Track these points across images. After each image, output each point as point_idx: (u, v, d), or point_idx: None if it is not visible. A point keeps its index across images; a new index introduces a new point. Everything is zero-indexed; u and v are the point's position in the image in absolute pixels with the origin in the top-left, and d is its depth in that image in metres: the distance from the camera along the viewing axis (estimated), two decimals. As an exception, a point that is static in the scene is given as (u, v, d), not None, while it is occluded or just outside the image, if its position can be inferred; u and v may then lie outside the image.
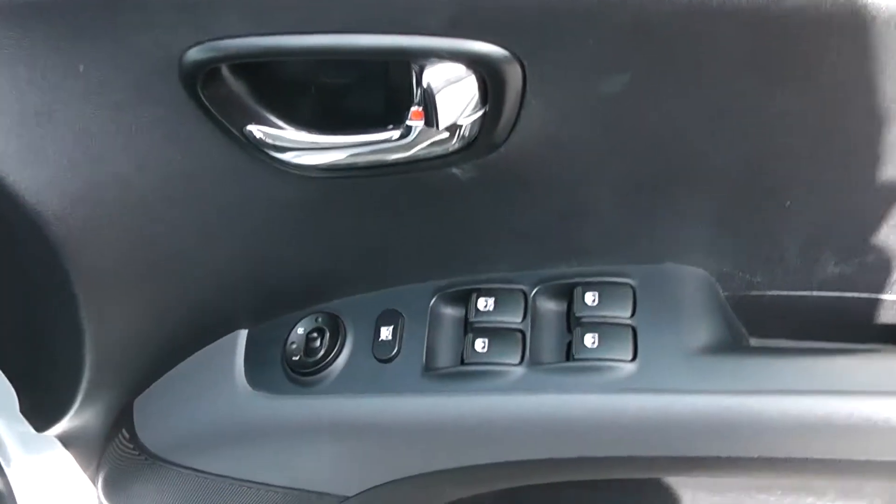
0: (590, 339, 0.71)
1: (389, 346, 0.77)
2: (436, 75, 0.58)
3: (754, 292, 0.75)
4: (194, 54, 0.57)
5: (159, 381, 0.89)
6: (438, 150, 0.63)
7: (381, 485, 0.82)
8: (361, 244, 0.77)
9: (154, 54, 0.58)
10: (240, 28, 0.56)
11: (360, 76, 0.65)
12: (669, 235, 0.73)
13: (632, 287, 0.74)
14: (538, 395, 0.72)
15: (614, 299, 0.73)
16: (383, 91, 0.65)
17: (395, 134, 0.62)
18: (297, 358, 0.80)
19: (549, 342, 0.74)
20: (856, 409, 0.66)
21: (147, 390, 0.90)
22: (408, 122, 0.61)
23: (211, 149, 0.65)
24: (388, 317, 0.79)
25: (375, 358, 0.78)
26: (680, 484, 0.89)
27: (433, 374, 0.75)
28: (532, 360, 0.73)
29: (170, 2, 0.56)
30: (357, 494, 0.84)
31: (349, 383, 0.78)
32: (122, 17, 0.57)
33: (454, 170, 0.66)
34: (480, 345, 0.74)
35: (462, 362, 0.74)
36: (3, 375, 0.84)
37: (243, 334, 0.86)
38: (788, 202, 0.67)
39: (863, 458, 0.70)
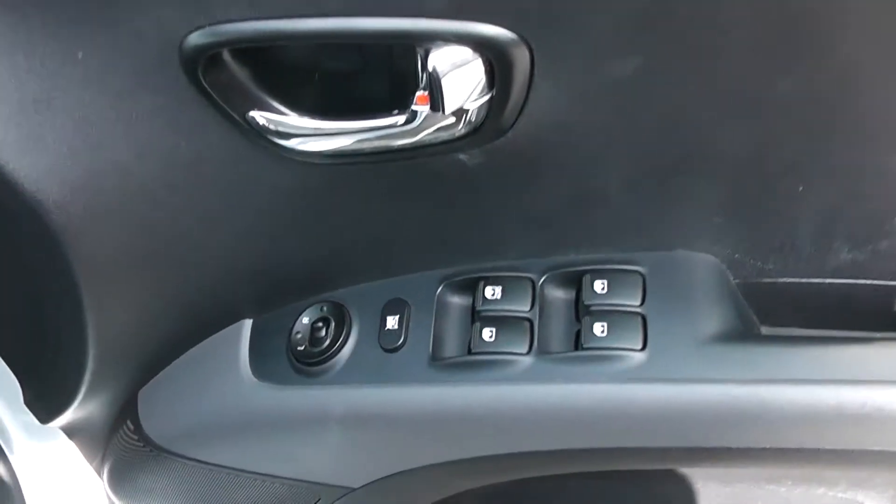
0: (599, 328, 0.70)
1: (396, 336, 0.77)
2: (441, 59, 0.57)
3: (766, 279, 0.74)
4: (195, 39, 0.56)
5: (163, 371, 0.89)
6: (445, 135, 0.62)
7: (387, 476, 0.82)
8: (366, 232, 0.76)
9: (154, 40, 0.57)
10: (241, 12, 0.55)
11: (365, 60, 0.65)
12: (680, 221, 0.72)
13: (641, 274, 0.73)
14: (546, 385, 0.71)
15: (624, 287, 0.73)
16: (388, 75, 0.64)
17: (401, 119, 0.61)
18: (302, 348, 0.80)
19: (558, 331, 0.74)
20: (869, 399, 0.66)
21: (151, 381, 0.90)
22: (413, 107, 0.60)
23: (213, 136, 0.64)
24: (395, 306, 0.79)
25: (381, 348, 0.78)
26: (689, 474, 0.89)
27: (440, 364, 0.75)
28: (540, 350, 0.73)
29: None
30: (363, 486, 0.84)
31: (355, 373, 0.78)
32: (121, 3, 0.56)
33: (461, 156, 0.65)
34: (488, 334, 0.73)
35: (469, 352, 0.74)
36: (6, 366, 0.84)
37: (248, 324, 0.86)
38: (801, 187, 0.66)
39: (876, 447, 0.70)
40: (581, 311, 0.73)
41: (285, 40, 0.58)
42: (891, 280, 0.72)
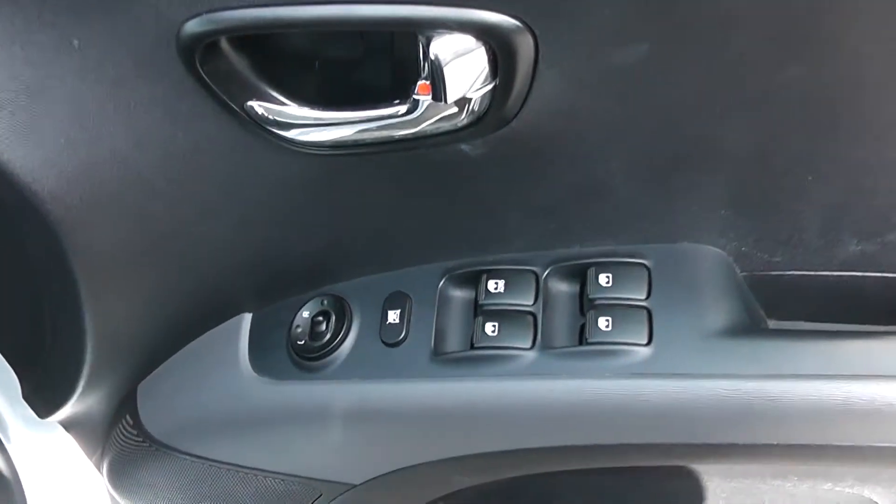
0: (604, 322, 0.70)
1: (397, 330, 0.77)
2: (443, 47, 0.56)
3: (773, 272, 0.74)
4: (192, 27, 0.56)
5: (163, 365, 0.89)
6: (447, 125, 0.61)
7: (388, 473, 0.82)
8: (367, 224, 0.76)
9: (150, 28, 0.57)
10: None
11: (365, 49, 0.64)
12: (686, 213, 0.72)
13: (647, 268, 0.73)
14: (550, 380, 0.71)
15: (629, 280, 0.72)
16: (389, 64, 0.63)
17: (402, 109, 0.60)
18: (302, 342, 0.79)
19: (562, 325, 0.73)
20: (878, 394, 0.65)
21: (150, 375, 0.90)
22: (414, 97, 0.59)
23: (211, 126, 0.64)
24: (396, 299, 0.78)
25: (383, 342, 0.77)
26: (693, 470, 0.88)
27: (442, 359, 0.74)
28: (544, 344, 0.72)
29: None
30: (364, 482, 0.83)
31: (356, 368, 0.77)
32: None
33: (463, 146, 0.64)
34: (491, 328, 0.73)
35: (472, 346, 0.74)
36: (4, 360, 0.83)
37: (248, 318, 0.85)
38: (810, 177, 0.65)
39: (885, 444, 0.69)
40: (585, 305, 0.72)
41: (284, 28, 0.57)
42: (900, 273, 0.71)
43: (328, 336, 0.78)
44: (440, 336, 0.75)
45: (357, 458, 0.82)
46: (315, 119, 0.62)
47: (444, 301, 0.77)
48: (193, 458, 0.86)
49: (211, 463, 0.86)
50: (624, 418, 0.70)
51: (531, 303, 0.74)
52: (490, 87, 0.59)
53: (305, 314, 0.80)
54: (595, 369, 0.70)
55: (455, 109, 0.60)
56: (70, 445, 0.92)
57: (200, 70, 0.58)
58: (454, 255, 0.78)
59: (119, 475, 0.92)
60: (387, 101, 0.61)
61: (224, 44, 0.58)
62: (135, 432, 0.88)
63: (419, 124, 0.61)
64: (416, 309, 0.77)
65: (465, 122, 0.61)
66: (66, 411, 0.84)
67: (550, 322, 0.73)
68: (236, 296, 0.84)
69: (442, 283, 0.77)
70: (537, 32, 0.55)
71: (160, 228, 0.72)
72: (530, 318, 0.73)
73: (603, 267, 0.73)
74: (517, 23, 0.54)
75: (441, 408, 0.74)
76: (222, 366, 0.84)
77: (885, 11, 0.52)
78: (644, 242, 0.74)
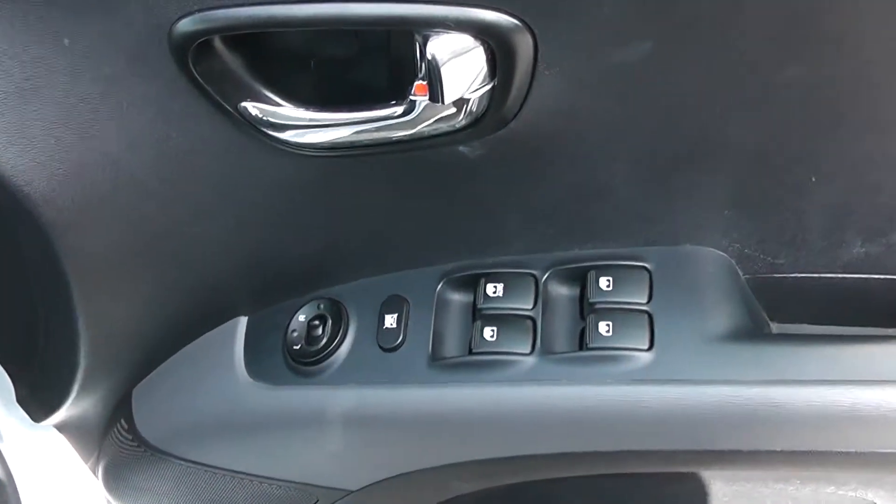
0: (604, 327, 0.69)
1: (394, 335, 0.76)
2: (441, 46, 0.55)
3: (776, 275, 0.73)
4: (184, 26, 0.55)
5: (158, 369, 0.89)
6: (444, 126, 0.61)
7: (386, 479, 0.81)
8: (364, 226, 0.75)
9: (142, 26, 0.56)
10: None
11: (361, 48, 0.63)
12: (687, 215, 0.71)
13: (648, 271, 0.72)
14: (550, 386, 0.70)
15: (630, 284, 0.71)
16: (385, 64, 0.63)
17: (399, 110, 0.60)
18: (298, 347, 0.79)
19: (562, 330, 0.73)
20: (884, 400, 0.65)
21: (145, 379, 0.89)
22: (411, 97, 0.59)
23: (204, 127, 0.63)
24: (393, 303, 0.77)
25: (380, 347, 0.77)
26: (695, 473, 0.88)
27: (440, 364, 0.74)
28: (544, 349, 0.72)
29: None
30: (362, 489, 0.83)
31: (352, 373, 0.76)
32: None
33: (461, 147, 0.64)
34: (489, 333, 0.72)
35: (470, 351, 0.73)
36: (-1, 364, 0.83)
37: (243, 321, 0.85)
38: (813, 177, 0.65)
39: (890, 450, 0.68)
40: (586, 309, 0.72)
41: (279, 27, 0.56)
42: (906, 275, 0.71)
43: (324, 340, 0.78)
44: (438, 341, 0.75)
45: (354, 463, 0.81)
46: (310, 120, 0.62)
47: (441, 305, 0.76)
48: (189, 464, 0.86)
49: (206, 468, 0.85)
50: (625, 425, 0.70)
51: (530, 307, 0.73)
52: (488, 87, 0.58)
53: (301, 318, 0.80)
54: (596, 375, 0.69)
55: (453, 110, 0.59)
56: (66, 449, 0.92)
57: (193, 70, 0.58)
58: (452, 258, 0.77)
59: (114, 480, 0.92)
60: (383, 102, 0.60)
61: (217, 43, 0.58)
62: (130, 437, 0.88)
63: (416, 125, 0.60)
64: (413, 313, 0.77)
65: (463, 123, 0.61)
66: (61, 415, 0.84)
67: (550, 327, 0.73)
68: (232, 298, 0.84)
69: (440, 286, 0.77)
70: (536, 31, 0.54)
71: (154, 230, 0.72)
72: (529, 323, 0.72)
73: (603, 270, 0.72)
74: (516, 21, 0.53)
75: (439, 414, 0.74)
76: (217, 370, 0.83)
77: (887, 8, 0.52)
78: (645, 245, 0.73)
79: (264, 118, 0.61)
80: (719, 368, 0.68)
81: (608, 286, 0.71)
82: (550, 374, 0.70)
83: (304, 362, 0.78)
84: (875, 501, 0.85)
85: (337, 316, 0.79)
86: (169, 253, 0.75)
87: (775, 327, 0.76)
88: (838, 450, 0.69)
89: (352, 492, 0.83)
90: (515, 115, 0.60)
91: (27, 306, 0.77)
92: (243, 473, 0.84)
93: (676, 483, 0.86)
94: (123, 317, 0.79)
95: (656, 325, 0.69)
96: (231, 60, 0.59)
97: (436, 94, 0.57)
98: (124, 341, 0.82)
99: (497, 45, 0.55)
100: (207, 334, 0.86)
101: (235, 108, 0.61)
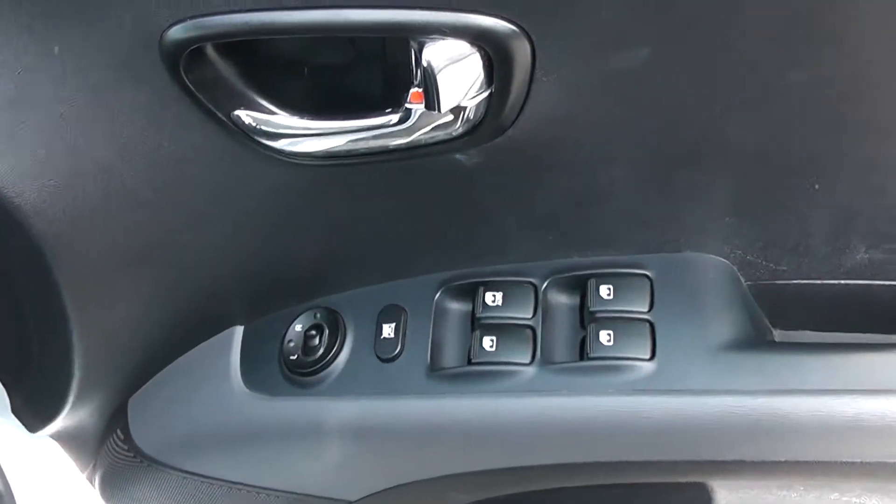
0: (605, 336, 0.69)
1: (392, 345, 0.75)
2: (437, 53, 0.55)
3: (779, 281, 0.72)
4: (175, 33, 0.54)
5: (153, 379, 0.88)
6: (441, 134, 0.60)
7: (384, 490, 0.81)
8: (360, 235, 0.75)
9: (132, 33, 0.55)
10: (223, 4, 0.53)
11: (356, 55, 0.63)
12: (689, 221, 0.70)
13: (649, 278, 0.71)
14: (550, 396, 0.69)
15: (631, 292, 0.71)
16: (381, 71, 0.62)
17: (394, 118, 0.59)
18: (294, 357, 0.78)
19: (562, 339, 0.72)
20: (889, 410, 0.64)
21: (141, 389, 0.89)
22: (407, 105, 0.58)
23: (197, 135, 0.63)
24: (391, 312, 0.77)
25: (377, 357, 0.76)
26: (697, 482, 0.87)
27: (439, 375, 0.73)
28: (544, 359, 0.71)
29: None
30: (360, 500, 0.82)
31: (350, 384, 0.76)
32: None
33: (458, 155, 0.63)
34: (488, 342, 0.71)
35: (469, 361, 0.72)
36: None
37: (239, 331, 0.84)
38: (817, 185, 0.64)
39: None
40: (586, 318, 0.71)
41: (272, 34, 0.55)
42: (909, 281, 0.70)
43: (321, 351, 0.77)
44: (436, 351, 0.74)
45: (352, 474, 0.80)
46: (304, 128, 0.61)
47: (440, 314, 0.76)
48: (185, 474, 0.85)
49: (203, 479, 0.85)
50: (626, 436, 0.69)
51: (530, 316, 0.73)
52: (486, 94, 0.58)
53: (298, 328, 0.79)
54: (597, 386, 0.68)
55: (450, 118, 0.59)
56: (62, 459, 0.91)
57: (185, 77, 0.57)
58: (450, 266, 0.77)
59: (111, 490, 0.91)
60: (378, 110, 0.60)
61: (209, 50, 0.57)
62: (126, 447, 0.88)
63: (412, 134, 0.60)
64: (411, 322, 0.76)
65: (460, 131, 0.60)
66: (57, 425, 0.83)
67: (550, 336, 0.72)
68: (227, 308, 0.83)
69: (438, 295, 0.76)
70: (534, 37, 0.54)
71: (147, 240, 0.71)
72: (529, 332, 0.72)
73: (603, 278, 0.71)
74: (513, 27, 0.53)
75: (438, 425, 0.73)
76: (213, 380, 0.83)
77: (888, 9, 0.51)
78: (646, 252, 0.72)
79: (258, 126, 0.61)
80: (722, 378, 0.67)
81: (609, 294, 0.71)
82: (551, 384, 0.69)
83: (301, 373, 0.77)
84: (879, 508, 0.84)
85: (334, 325, 0.78)
86: (163, 262, 0.74)
87: (778, 334, 0.76)
88: (842, 460, 0.68)
89: (350, 503, 0.82)
90: (513, 123, 0.60)
91: (20, 317, 0.77)
92: (240, 484, 0.84)
93: (678, 492, 0.86)
94: (118, 327, 0.79)
95: (658, 334, 0.69)
96: (224, 68, 0.58)
97: (432, 101, 0.57)
98: (119, 351, 0.82)
99: (494, 52, 0.54)
100: (203, 344, 0.85)
101: (228, 116, 0.60)
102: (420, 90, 0.57)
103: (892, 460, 0.67)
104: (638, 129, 0.62)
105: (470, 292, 0.75)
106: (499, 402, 0.70)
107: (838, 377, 0.66)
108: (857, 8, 0.51)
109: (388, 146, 0.61)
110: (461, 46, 0.55)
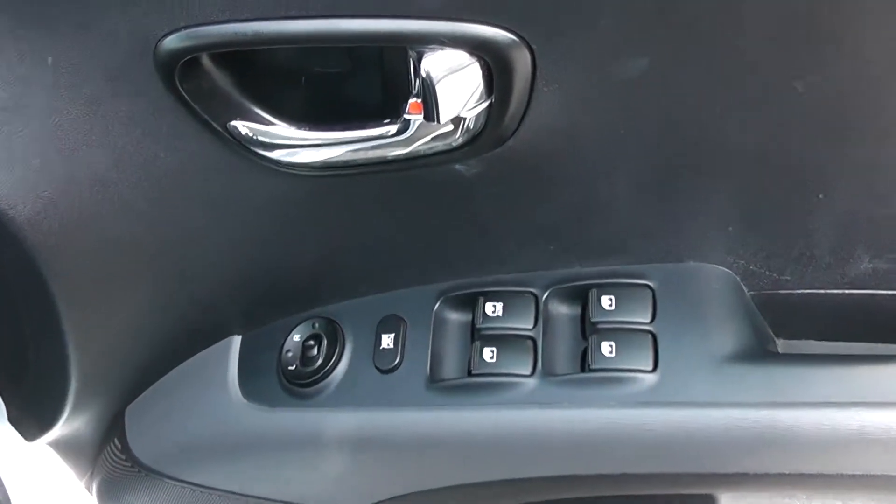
0: (607, 348, 0.68)
1: (391, 356, 0.75)
2: (435, 63, 0.54)
3: (782, 291, 0.72)
4: (170, 43, 0.54)
5: (151, 388, 0.88)
6: (440, 145, 0.60)
7: (383, 501, 0.80)
8: (359, 244, 0.74)
9: (127, 43, 0.55)
10: (219, 13, 0.53)
11: (353, 65, 0.62)
12: (691, 232, 0.70)
13: (651, 289, 0.71)
14: (551, 408, 0.69)
15: (633, 303, 0.70)
16: (378, 81, 0.62)
17: (393, 129, 0.59)
18: (292, 367, 0.78)
19: (563, 350, 0.72)
20: (893, 422, 0.63)
21: (139, 398, 0.88)
22: (405, 116, 0.58)
23: (193, 145, 0.62)
24: (390, 323, 0.76)
25: (376, 368, 0.76)
26: (700, 494, 0.87)
27: (438, 386, 0.73)
28: (545, 371, 0.70)
29: None
30: (358, 511, 0.82)
31: (349, 396, 0.76)
32: (91, 3, 0.53)
33: (458, 166, 0.63)
34: (489, 354, 0.71)
35: (469, 373, 0.72)
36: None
37: (237, 340, 0.84)
38: (821, 194, 0.64)
39: None
40: (588, 329, 0.71)
41: (268, 44, 0.55)
42: (914, 291, 0.70)
43: (320, 361, 0.77)
44: (436, 362, 0.74)
45: (351, 486, 0.80)
46: (301, 139, 0.61)
47: (439, 325, 0.75)
48: (182, 484, 0.85)
49: (200, 489, 0.85)
50: (629, 448, 0.69)
51: (531, 327, 0.72)
52: (485, 105, 0.57)
53: (296, 338, 0.79)
54: (598, 398, 0.68)
55: (449, 129, 0.58)
56: (60, 468, 0.91)
57: (180, 88, 0.56)
58: (450, 277, 0.76)
59: (108, 499, 0.91)
60: (376, 120, 0.59)
61: (205, 60, 0.57)
62: (123, 457, 0.87)
63: (411, 144, 0.59)
64: (410, 333, 0.76)
65: (459, 141, 0.60)
66: (54, 434, 0.83)
67: (551, 347, 0.71)
68: (225, 317, 0.83)
69: (437, 305, 0.76)
70: (535, 47, 0.53)
71: (143, 251, 0.71)
72: (530, 343, 0.71)
73: (605, 288, 0.71)
74: (513, 37, 0.52)
75: (437, 436, 0.73)
76: (211, 390, 0.82)
77: (888, 10, 0.51)
78: (648, 262, 0.72)
79: (254, 137, 0.60)
80: (725, 390, 0.66)
81: (611, 305, 0.70)
82: (552, 396, 0.69)
83: (300, 384, 0.77)
84: (883, 517, 0.84)
85: (332, 336, 0.78)
86: (159, 272, 0.74)
87: (781, 344, 0.75)
88: (847, 473, 0.67)
89: (349, 513, 0.82)
90: (513, 133, 0.59)
91: (16, 326, 0.76)
92: (237, 494, 0.83)
93: (679, 498, 0.85)
94: (114, 337, 0.78)
95: (660, 346, 0.68)
96: (219, 78, 0.58)
97: (431, 112, 0.56)
98: (116, 361, 0.82)
99: (494, 62, 0.54)
100: (201, 353, 0.85)
101: (224, 126, 0.60)
102: (419, 101, 0.56)
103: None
104: (639, 139, 0.62)
105: (470, 302, 0.75)
106: (499, 414, 0.70)
107: (843, 389, 0.65)
108: (860, 14, 0.51)
109: (386, 157, 0.61)
110: (460, 56, 0.54)
